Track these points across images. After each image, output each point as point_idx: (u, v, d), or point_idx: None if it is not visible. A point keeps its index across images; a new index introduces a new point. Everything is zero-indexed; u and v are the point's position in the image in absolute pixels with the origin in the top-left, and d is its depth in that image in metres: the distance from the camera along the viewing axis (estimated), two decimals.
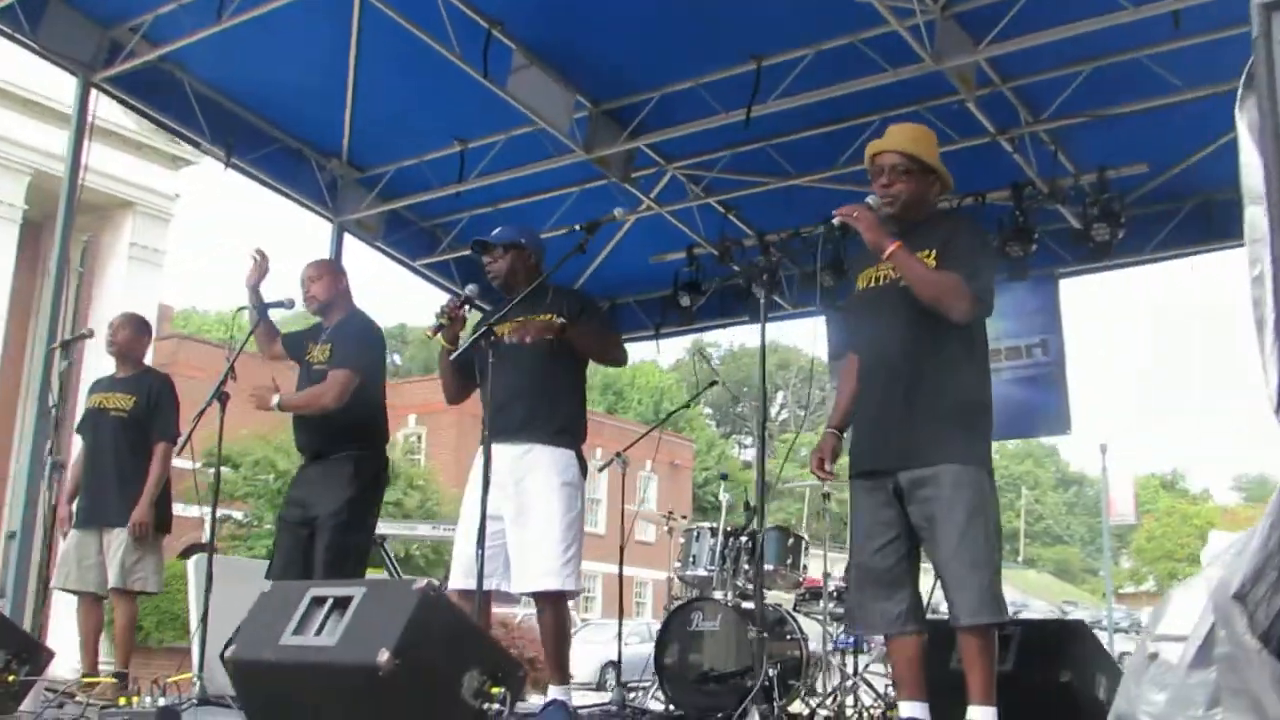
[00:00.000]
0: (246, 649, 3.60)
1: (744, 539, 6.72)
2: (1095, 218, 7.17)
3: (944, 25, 6.29)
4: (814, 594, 7.01)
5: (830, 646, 6.66)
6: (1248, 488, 69.08)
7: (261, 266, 5.54)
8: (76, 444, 6.38)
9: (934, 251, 3.87)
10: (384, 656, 3.19)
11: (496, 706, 3.39)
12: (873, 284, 4.04)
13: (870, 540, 3.92)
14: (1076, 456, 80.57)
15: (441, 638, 3.36)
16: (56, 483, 6.02)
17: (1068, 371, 8.25)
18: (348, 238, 9.01)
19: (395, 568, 8.07)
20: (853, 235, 3.98)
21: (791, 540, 6.85)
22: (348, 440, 5.25)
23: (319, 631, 3.44)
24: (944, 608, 3.93)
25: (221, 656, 3.67)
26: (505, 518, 4.55)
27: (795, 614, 6.75)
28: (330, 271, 5.59)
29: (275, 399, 5.22)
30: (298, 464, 5.58)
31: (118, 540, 5.98)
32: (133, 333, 6.34)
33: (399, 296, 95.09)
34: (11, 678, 4.64)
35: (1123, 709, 2.33)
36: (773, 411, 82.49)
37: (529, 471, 4.60)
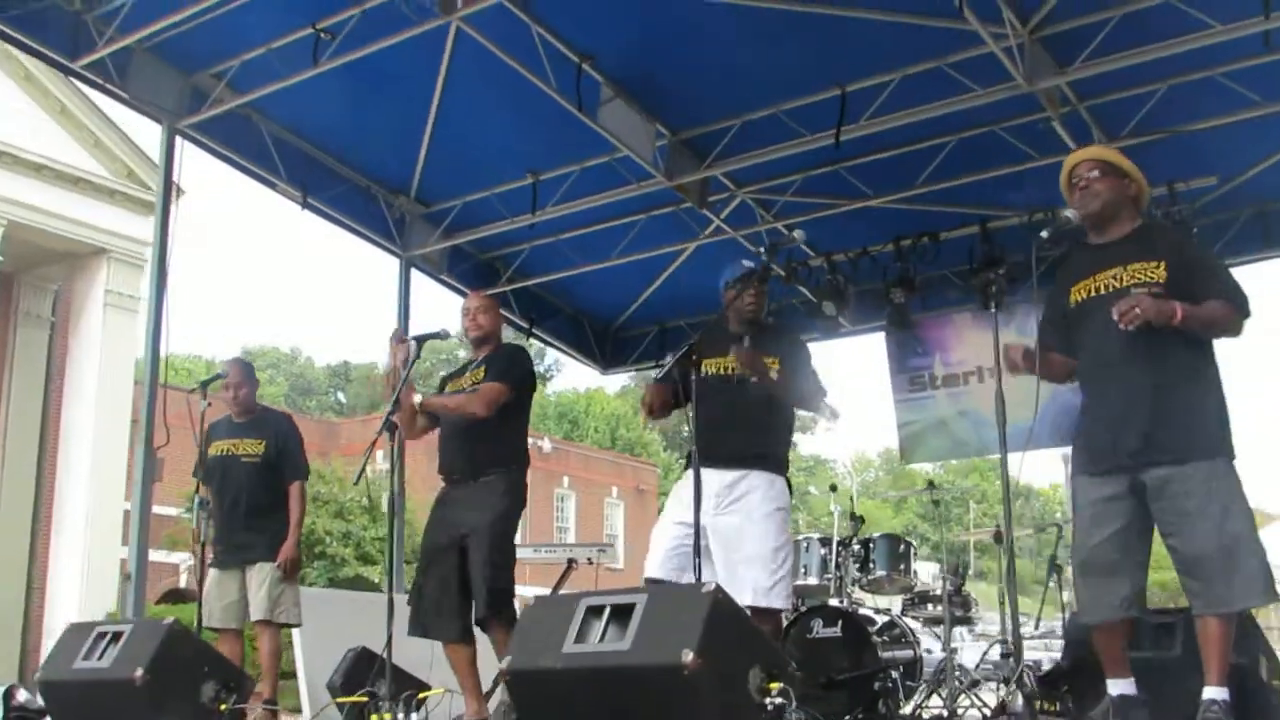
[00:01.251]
0: (525, 659, 3.75)
1: (855, 547, 6.93)
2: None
3: (1032, 48, 6.58)
4: (923, 598, 7.23)
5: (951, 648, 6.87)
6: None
7: (405, 349, 5.47)
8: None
9: (1163, 263, 4.11)
10: (689, 656, 3.36)
11: (779, 700, 3.56)
12: (1094, 294, 4.24)
13: (1100, 531, 4.13)
14: (1026, 469, 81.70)
15: (732, 637, 3.54)
16: (203, 521, 6.11)
17: None
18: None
19: None
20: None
21: (902, 547, 7.07)
22: (496, 462, 5.38)
23: (602, 638, 3.60)
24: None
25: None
26: None
27: (904, 618, 6.98)
28: (495, 305, 5.72)
29: (417, 398, 5.32)
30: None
31: (259, 576, 6.11)
32: (250, 383, 6.51)
33: None
34: (223, 706, 4.74)
35: None
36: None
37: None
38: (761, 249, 7.65)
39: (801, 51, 7.12)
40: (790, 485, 5.15)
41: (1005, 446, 5.01)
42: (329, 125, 8.22)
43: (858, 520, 7.30)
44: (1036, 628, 7.60)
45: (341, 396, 60.02)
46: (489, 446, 5.35)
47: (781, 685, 3.61)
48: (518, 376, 5.51)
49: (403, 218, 8.99)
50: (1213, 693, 3.96)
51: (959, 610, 7.11)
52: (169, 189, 7.58)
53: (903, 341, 9.40)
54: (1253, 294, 4.12)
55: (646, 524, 42.54)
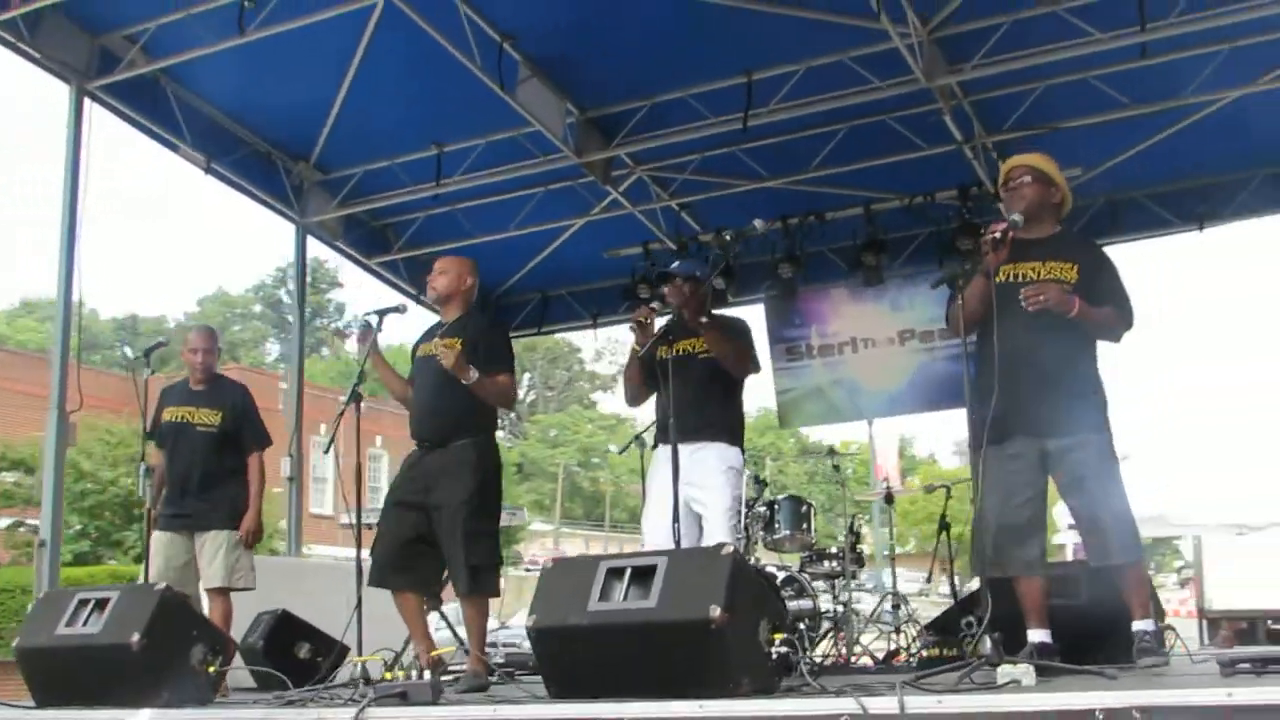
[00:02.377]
0: (550, 618, 4.08)
1: (761, 509, 7.43)
2: None
3: (930, 47, 7.13)
4: (820, 555, 7.79)
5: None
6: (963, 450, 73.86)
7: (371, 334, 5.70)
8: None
9: (1076, 266, 4.65)
10: (716, 612, 3.75)
11: (784, 649, 3.99)
12: (1013, 279, 4.74)
13: (1012, 497, 4.67)
14: (817, 429, 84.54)
15: (749, 594, 3.94)
16: (150, 487, 6.20)
17: None
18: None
19: None
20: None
21: (804, 508, 7.60)
22: (469, 429, 5.65)
23: (626, 597, 3.95)
24: None
25: None
26: None
27: (803, 574, 7.54)
28: (457, 267, 5.92)
29: (474, 374, 5.45)
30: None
31: (213, 543, 6.21)
32: (215, 348, 6.57)
33: None
34: (210, 668, 4.90)
35: None
36: (520, 393, 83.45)
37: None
38: (720, 234, 7.98)
39: (713, 40, 7.50)
40: (743, 451, 5.59)
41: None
42: (237, 92, 8.22)
43: (762, 483, 7.84)
44: (929, 581, 8.26)
45: (129, 351, 57.96)
46: (461, 414, 5.61)
47: (785, 635, 4.04)
48: (512, 361, 5.79)
49: (301, 184, 9.04)
50: (1141, 624, 4.57)
51: (854, 566, 7.73)
52: (78, 150, 7.48)
53: (780, 313, 9.91)
54: None
55: None
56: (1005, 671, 3.92)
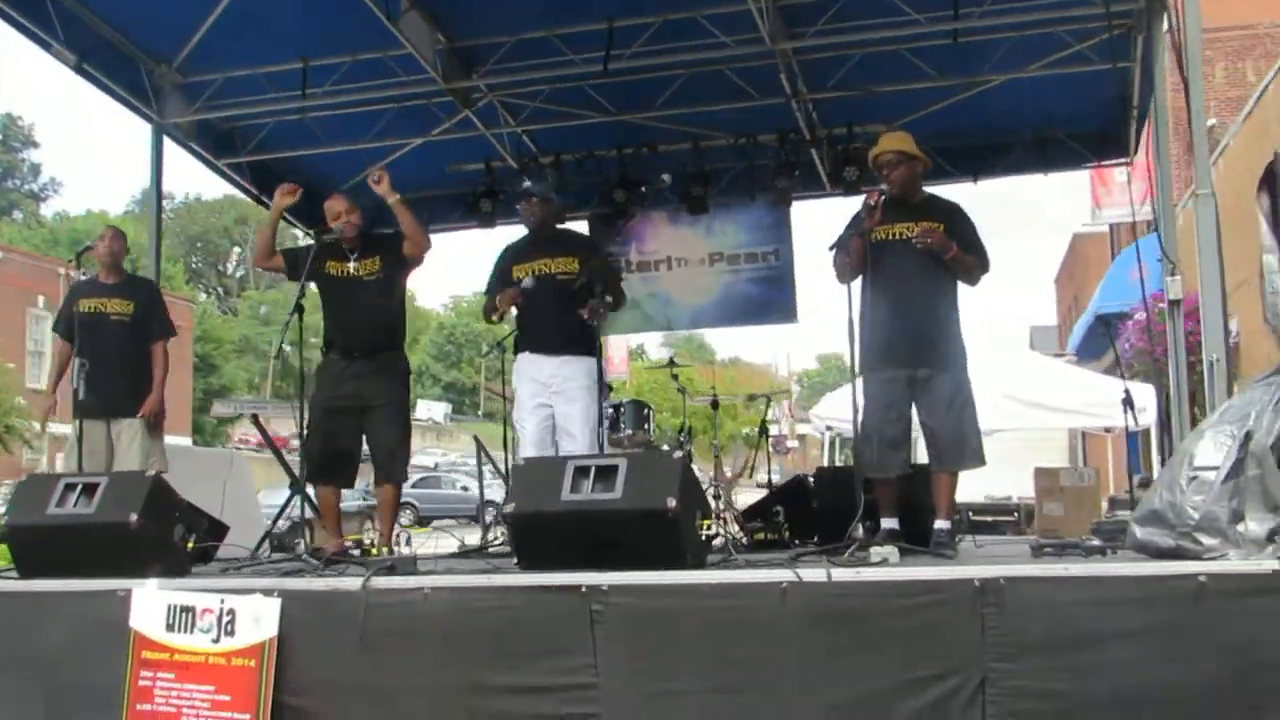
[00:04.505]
0: (527, 505, 5.00)
1: (608, 410, 8.46)
2: (846, 161, 9.41)
3: (774, 12, 8.15)
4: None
5: None
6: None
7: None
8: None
9: (941, 226, 5.82)
10: (672, 503, 4.77)
11: (710, 533, 5.07)
12: (891, 237, 5.89)
13: (886, 413, 5.87)
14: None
15: (690, 489, 4.97)
16: (81, 381, 6.67)
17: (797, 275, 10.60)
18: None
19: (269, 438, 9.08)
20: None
21: (646, 410, 8.68)
22: (396, 342, 6.50)
23: (593, 490, 4.91)
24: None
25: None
26: None
27: None
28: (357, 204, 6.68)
29: (396, 197, 6.43)
30: None
31: (129, 430, 6.79)
32: (122, 244, 7.02)
33: None
34: (189, 545, 5.57)
35: (1173, 503, 4.45)
36: (229, 267, 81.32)
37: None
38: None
39: None
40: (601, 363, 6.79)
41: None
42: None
43: (607, 386, 8.85)
44: (750, 476, 9.52)
45: None
46: (390, 327, 6.43)
47: (709, 522, 5.12)
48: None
49: (162, 86, 9.29)
50: (941, 523, 5.88)
51: None
52: None
53: (605, 231, 10.85)
54: None
55: (182, 359, 41.76)
56: (876, 551, 5.13)
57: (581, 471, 5.00)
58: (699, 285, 10.75)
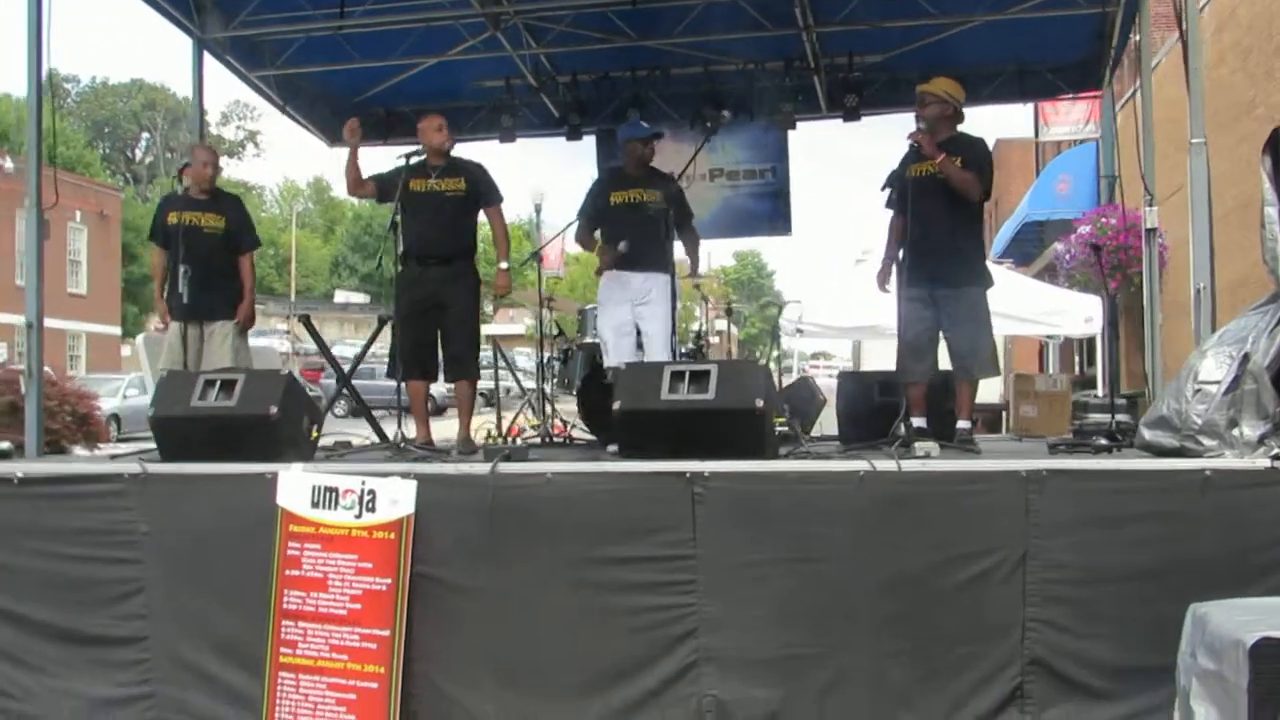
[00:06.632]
0: (633, 403, 5.79)
1: None
2: (846, 89, 10.19)
3: None
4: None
5: None
6: None
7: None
8: None
9: (960, 159, 6.64)
10: (759, 403, 5.61)
11: (784, 429, 5.92)
12: (923, 173, 6.71)
13: (913, 327, 6.73)
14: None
15: (772, 391, 5.81)
16: (183, 282, 7.28)
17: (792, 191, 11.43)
18: None
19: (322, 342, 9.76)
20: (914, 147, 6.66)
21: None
22: (468, 253, 7.24)
23: (689, 391, 5.72)
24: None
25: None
26: None
27: None
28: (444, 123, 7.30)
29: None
30: None
31: (221, 331, 7.46)
32: (216, 165, 7.63)
33: None
34: (314, 435, 6.30)
35: (1179, 411, 5.37)
36: (138, 154, 79.63)
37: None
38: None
39: None
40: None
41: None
42: None
43: None
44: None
45: None
46: (462, 239, 7.16)
47: (784, 419, 5.97)
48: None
49: (203, 3, 9.73)
50: (963, 423, 6.80)
51: None
52: None
53: (611, 147, 11.48)
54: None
55: (109, 249, 41.68)
56: (919, 446, 6.02)
57: (678, 375, 5.81)
58: (699, 199, 11.40)
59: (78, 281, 42.91)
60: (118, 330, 45.18)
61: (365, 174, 7.33)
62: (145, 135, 79.19)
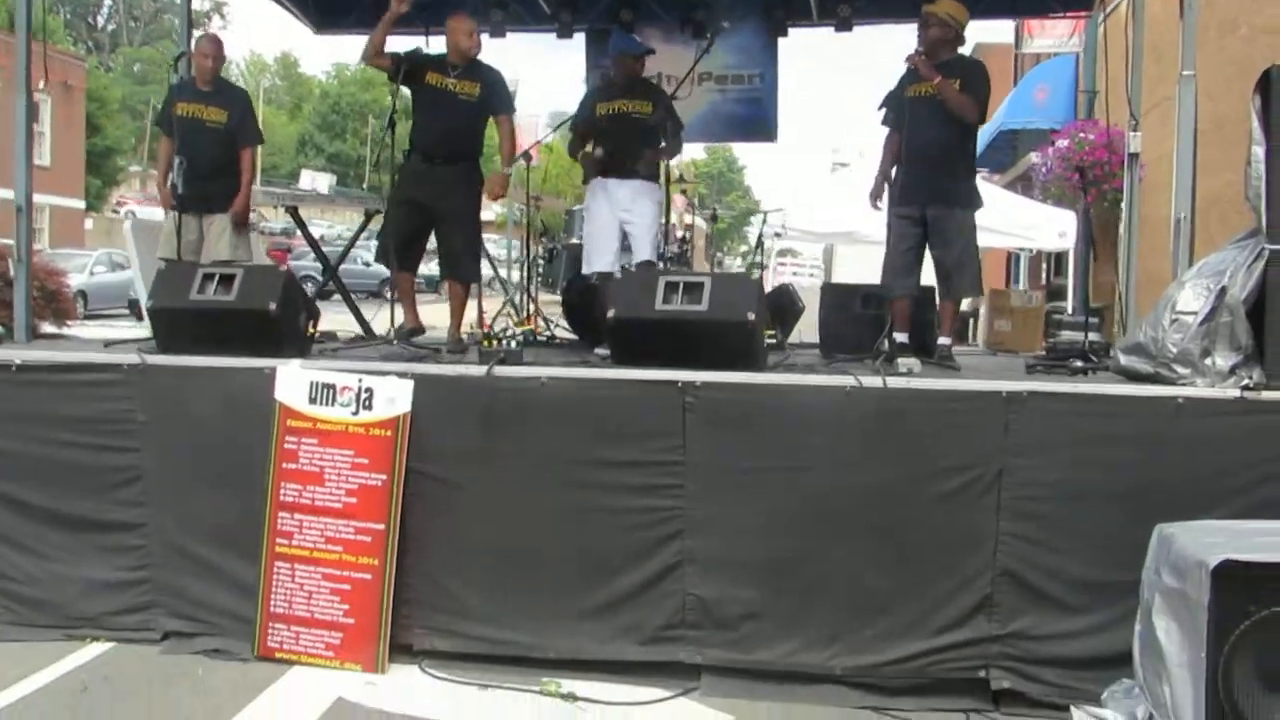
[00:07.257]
0: (627, 311, 5.91)
1: None
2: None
3: None
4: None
5: None
6: None
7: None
8: None
9: (959, 81, 6.73)
10: (751, 316, 5.74)
11: (774, 339, 6.07)
12: (921, 94, 6.80)
13: (901, 244, 6.87)
14: None
15: (763, 303, 5.94)
16: (179, 175, 7.29)
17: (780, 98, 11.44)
18: None
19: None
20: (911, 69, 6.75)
21: None
22: (474, 155, 7.26)
23: (683, 302, 5.84)
24: None
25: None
26: None
27: None
28: (476, 29, 7.27)
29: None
30: None
31: (219, 224, 7.51)
32: (222, 54, 7.58)
33: None
34: (311, 331, 6.40)
35: (1155, 339, 5.55)
36: (100, 20, 77.90)
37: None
38: None
39: None
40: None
41: None
42: None
43: None
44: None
45: None
46: (471, 142, 7.19)
47: (774, 330, 6.12)
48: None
49: None
50: (943, 339, 6.98)
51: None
52: None
53: (600, 45, 11.42)
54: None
55: (73, 120, 40.95)
56: (902, 362, 6.20)
57: (672, 286, 5.92)
58: (684, 102, 11.45)
59: (41, 153, 42.01)
60: (81, 204, 44.54)
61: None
62: (108, 1, 77.53)
